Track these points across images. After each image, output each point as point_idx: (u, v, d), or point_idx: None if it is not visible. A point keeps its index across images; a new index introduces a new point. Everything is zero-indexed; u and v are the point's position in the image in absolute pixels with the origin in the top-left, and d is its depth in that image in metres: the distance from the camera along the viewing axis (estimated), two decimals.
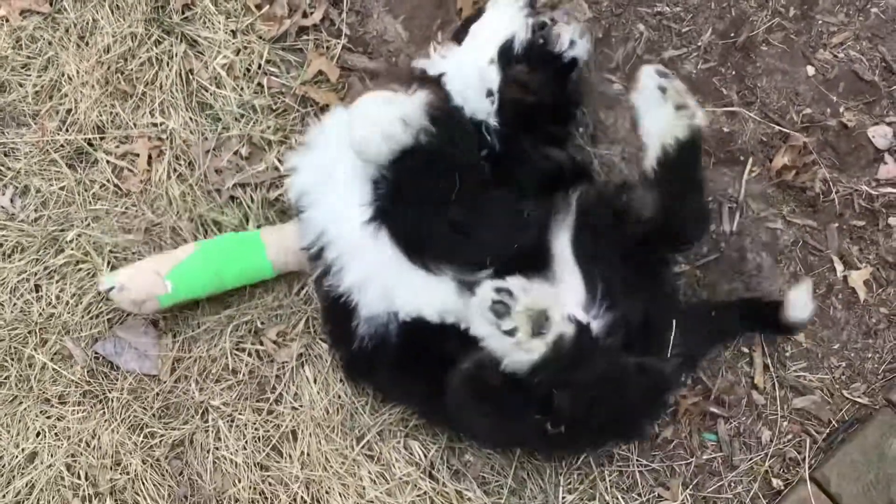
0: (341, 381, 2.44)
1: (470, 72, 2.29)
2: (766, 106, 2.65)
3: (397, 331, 2.19)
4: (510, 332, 1.92)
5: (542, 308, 1.93)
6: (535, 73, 2.34)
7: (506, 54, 2.30)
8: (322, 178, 2.23)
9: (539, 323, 1.93)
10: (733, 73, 2.67)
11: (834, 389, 2.50)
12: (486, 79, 2.28)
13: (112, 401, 2.38)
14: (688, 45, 2.68)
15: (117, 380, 2.40)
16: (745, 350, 2.53)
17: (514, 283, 1.95)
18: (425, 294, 2.17)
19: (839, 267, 2.55)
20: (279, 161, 2.52)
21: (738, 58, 2.67)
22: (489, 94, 2.28)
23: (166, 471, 2.34)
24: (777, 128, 2.63)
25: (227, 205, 2.52)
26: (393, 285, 2.18)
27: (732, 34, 2.69)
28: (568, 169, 2.37)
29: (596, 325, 2.12)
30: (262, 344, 2.45)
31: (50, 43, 2.58)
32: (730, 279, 2.55)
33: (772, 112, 2.64)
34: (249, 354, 2.44)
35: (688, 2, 2.70)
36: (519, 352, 1.94)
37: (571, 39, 2.37)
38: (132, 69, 2.57)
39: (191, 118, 2.57)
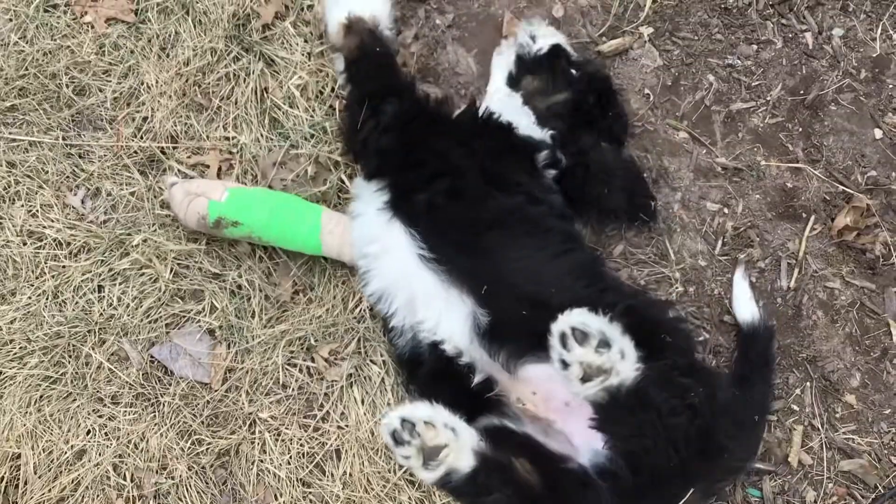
0: (388, 404, 2.45)
1: (504, 104, 2.47)
2: (832, 165, 2.65)
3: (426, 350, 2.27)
4: (405, 457, 2.01)
5: (437, 445, 1.99)
6: (539, 76, 2.52)
7: (511, 78, 2.55)
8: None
9: (430, 457, 2.00)
10: (800, 129, 2.68)
11: (882, 454, 2.48)
12: (515, 105, 2.49)
13: (163, 405, 2.40)
14: (756, 99, 2.70)
15: (170, 385, 2.42)
16: (795, 408, 2.51)
17: (420, 414, 2.02)
18: (445, 318, 2.22)
19: None
20: (342, 182, 2.55)
21: (806, 115, 2.68)
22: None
23: (210, 479, 2.36)
24: (841, 187, 2.63)
25: None
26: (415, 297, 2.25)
27: (802, 91, 2.70)
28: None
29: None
30: (313, 361, 2.47)
31: (132, 52, 2.65)
32: (784, 335, 2.54)
33: (836, 171, 2.64)
34: (300, 370, 2.47)
35: (759, 56, 2.72)
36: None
37: (532, 34, 2.56)
38: (209, 83, 2.63)
39: (262, 134, 2.61)
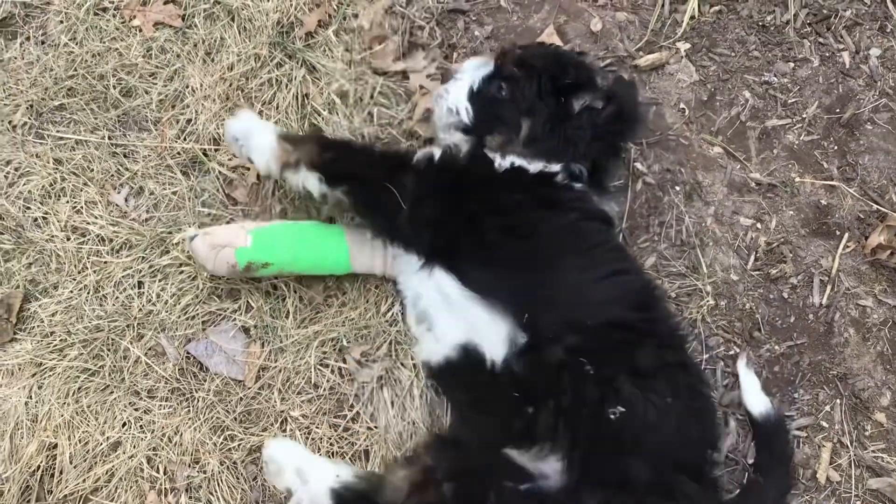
0: (418, 408, 2.48)
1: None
2: (866, 184, 2.66)
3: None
4: None
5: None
6: (492, 131, 2.43)
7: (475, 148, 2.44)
8: None
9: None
10: (835, 147, 2.69)
11: None
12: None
13: (198, 400, 2.45)
14: (792, 116, 2.71)
15: (205, 381, 2.47)
16: (825, 424, 2.50)
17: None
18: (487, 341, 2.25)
19: None
20: None
21: (842, 133, 2.69)
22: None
23: (241, 474, 2.40)
24: (875, 206, 2.63)
25: None
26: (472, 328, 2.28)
27: (838, 110, 2.71)
28: None
29: None
30: (345, 362, 2.51)
31: (178, 55, 2.72)
32: (815, 351, 2.54)
33: (871, 190, 2.65)
34: (332, 371, 2.50)
35: (796, 74, 2.74)
36: None
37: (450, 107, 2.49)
38: (252, 88, 2.69)
39: None
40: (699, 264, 2.62)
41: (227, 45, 2.73)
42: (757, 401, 2.43)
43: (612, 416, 2.05)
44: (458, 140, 2.49)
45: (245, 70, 2.70)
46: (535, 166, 2.36)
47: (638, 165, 2.69)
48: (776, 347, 2.56)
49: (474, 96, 2.46)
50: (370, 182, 2.33)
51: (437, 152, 2.41)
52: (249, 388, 2.47)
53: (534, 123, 2.37)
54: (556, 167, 2.35)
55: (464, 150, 2.44)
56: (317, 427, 2.45)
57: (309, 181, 2.35)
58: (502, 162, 2.38)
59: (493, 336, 2.21)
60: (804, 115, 2.72)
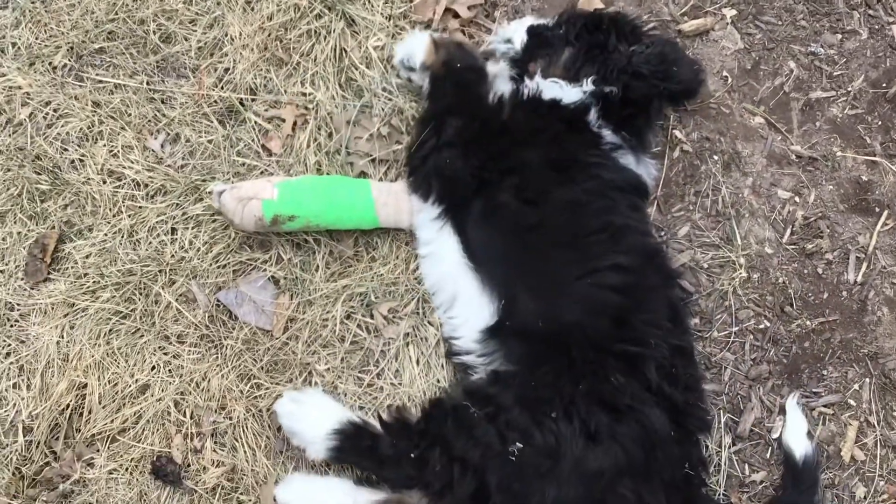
0: (443, 366, 2.49)
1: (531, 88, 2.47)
2: None
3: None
4: None
5: None
6: (538, 57, 2.53)
7: (517, 76, 2.57)
8: None
9: None
10: (880, 123, 2.63)
11: None
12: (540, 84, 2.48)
13: (226, 348, 2.47)
14: (837, 89, 2.66)
15: (234, 329, 2.49)
16: (852, 403, 2.48)
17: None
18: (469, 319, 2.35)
19: None
20: None
21: (887, 109, 2.64)
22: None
23: (266, 422, 2.42)
24: None
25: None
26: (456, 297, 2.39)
27: (884, 84, 2.65)
28: None
29: None
30: (372, 317, 2.52)
31: (218, 3, 2.71)
32: (846, 329, 2.51)
33: None
34: (359, 326, 2.51)
35: (843, 46, 2.68)
36: None
37: (504, 39, 2.62)
38: (291, 39, 2.68)
39: (338, 92, 2.65)
40: (734, 236, 2.59)
41: None
42: (800, 443, 2.38)
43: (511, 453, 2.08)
44: (501, 72, 2.55)
45: (284, 20, 2.69)
46: (568, 94, 2.39)
47: (676, 133, 2.65)
48: (807, 323, 2.53)
49: (531, 29, 2.55)
50: (432, 108, 2.49)
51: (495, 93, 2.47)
52: (277, 339, 2.49)
53: (576, 50, 2.44)
54: (588, 86, 2.39)
55: (504, 90, 2.47)
56: (342, 382, 2.47)
57: (424, 83, 2.58)
58: (540, 85, 2.44)
59: (473, 313, 2.31)
60: (849, 89, 2.66)
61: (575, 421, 2.06)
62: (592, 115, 2.38)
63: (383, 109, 2.66)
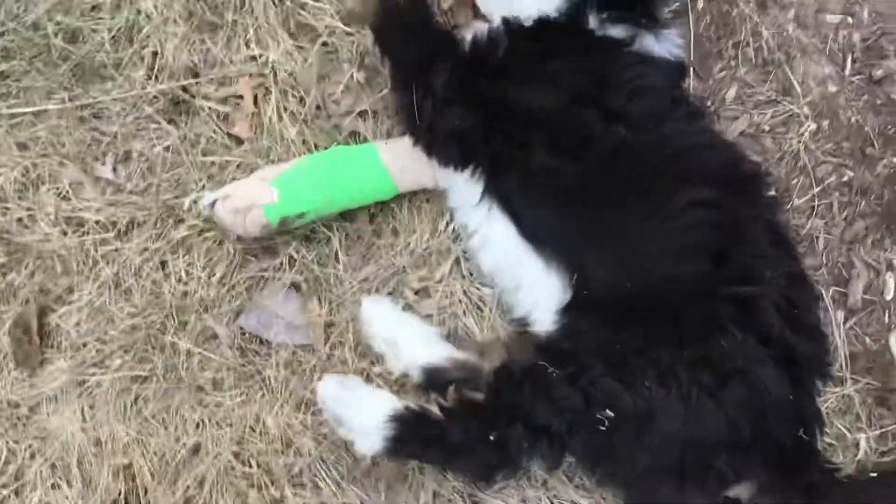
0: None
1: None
2: None
3: None
4: None
5: None
6: None
7: None
8: None
9: None
10: None
11: None
12: None
13: (269, 379, 2.17)
14: None
15: (270, 356, 2.18)
16: None
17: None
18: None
19: None
20: None
21: None
22: None
23: (342, 448, 2.15)
24: None
25: (351, 141, 2.20)
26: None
27: None
28: None
29: None
30: (416, 294, 2.20)
31: None
32: None
33: None
34: (405, 309, 2.19)
35: None
36: None
37: None
38: None
39: (293, 45, 2.21)
40: (790, 84, 2.23)
41: None
42: None
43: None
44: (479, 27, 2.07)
45: None
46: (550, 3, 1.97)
47: None
48: (894, 160, 2.22)
49: None
50: (401, 68, 2.05)
51: (470, 36, 2.00)
52: (320, 352, 2.18)
53: None
54: None
55: (497, 23, 2.02)
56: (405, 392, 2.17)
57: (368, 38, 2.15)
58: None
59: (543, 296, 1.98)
60: None
61: (672, 387, 1.78)
62: (590, 18, 1.96)
63: (350, 51, 2.22)
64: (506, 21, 1.98)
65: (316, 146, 2.20)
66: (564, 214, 1.95)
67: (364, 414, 1.97)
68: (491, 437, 1.88)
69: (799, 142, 2.22)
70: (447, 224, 2.22)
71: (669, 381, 1.79)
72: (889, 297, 2.19)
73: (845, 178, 2.22)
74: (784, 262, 1.90)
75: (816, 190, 2.22)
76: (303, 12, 2.22)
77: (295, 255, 2.19)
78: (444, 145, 2.01)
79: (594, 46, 1.96)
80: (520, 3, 1.97)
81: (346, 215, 2.20)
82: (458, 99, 1.96)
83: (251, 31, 2.22)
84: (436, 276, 2.20)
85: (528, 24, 1.96)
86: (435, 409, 1.96)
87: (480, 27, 2.06)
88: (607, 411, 1.80)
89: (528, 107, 1.95)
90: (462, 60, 1.99)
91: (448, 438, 1.92)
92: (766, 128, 2.23)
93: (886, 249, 2.20)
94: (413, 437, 1.94)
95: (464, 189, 2.07)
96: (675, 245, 1.87)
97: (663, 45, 2.03)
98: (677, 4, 2.19)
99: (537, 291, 2.02)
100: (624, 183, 1.92)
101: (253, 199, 2.04)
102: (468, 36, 2.03)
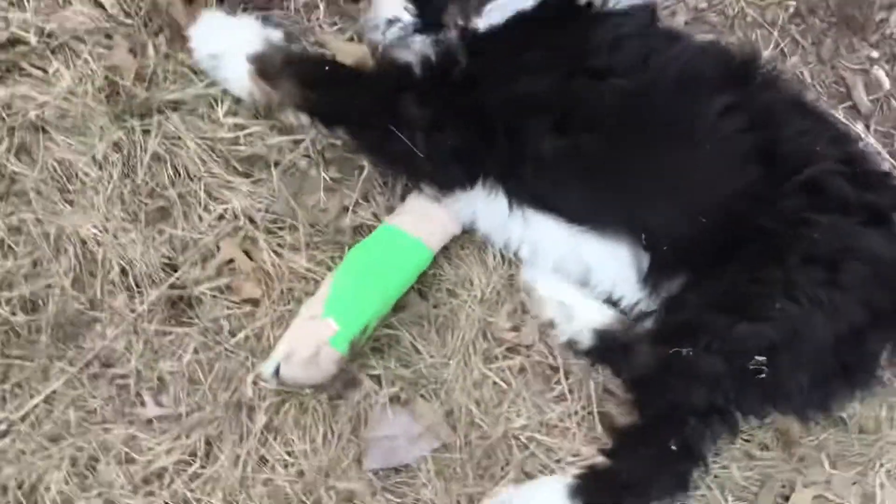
0: None
1: None
2: None
3: None
4: None
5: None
6: None
7: None
8: None
9: None
10: None
11: None
12: None
13: (428, 499, 2.02)
14: None
15: (416, 477, 2.02)
16: None
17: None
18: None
19: None
20: None
21: None
22: None
23: None
24: None
25: (359, 236, 2.07)
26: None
27: None
28: None
29: None
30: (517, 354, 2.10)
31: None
32: None
33: None
34: (501, 356, 2.10)
35: None
36: None
37: None
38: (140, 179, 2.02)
39: (250, 183, 2.09)
40: None
41: None
42: None
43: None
44: (420, 49, 1.97)
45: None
46: None
47: None
48: None
49: None
50: (368, 124, 1.94)
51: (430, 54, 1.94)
52: (457, 444, 2.05)
53: None
54: None
55: (435, 52, 1.94)
56: (546, 417, 2.07)
57: (305, 121, 1.99)
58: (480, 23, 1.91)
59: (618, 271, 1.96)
60: None
61: (800, 297, 1.76)
62: None
63: (307, 156, 2.09)
64: (461, 29, 1.90)
65: (332, 260, 2.05)
66: (600, 183, 1.91)
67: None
68: (673, 448, 1.83)
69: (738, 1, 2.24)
70: (494, 256, 2.12)
71: (795, 292, 1.76)
72: (888, 87, 2.25)
73: (791, 10, 2.26)
74: (821, 126, 1.91)
75: (776, 33, 2.24)
76: (239, 147, 2.06)
77: (377, 373, 2.04)
78: (447, 171, 1.94)
79: (561, 22, 1.90)
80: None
81: (398, 306, 2.06)
82: (441, 119, 1.88)
83: (202, 194, 2.04)
84: (521, 306, 2.11)
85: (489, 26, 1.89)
86: (601, 459, 1.92)
87: (418, 47, 1.97)
88: (757, 358, 1.76)
89: (518, 99, 1.88)
90: (424, 82, 1.91)
91: (630, 479, 1.87)
92: (704, 5, 2.23)
93: (859, 49, 2.26)
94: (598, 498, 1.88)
95: (487, 209, 2.00)
96: (720, 162, 1.85)
97: None
98: None
99: (609, 266, 1.97)
100: (643, 127, 1.88)
101: (315, 340, 1.90)
102: (409, 58, 1.95)
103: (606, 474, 1.89)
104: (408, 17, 1.96)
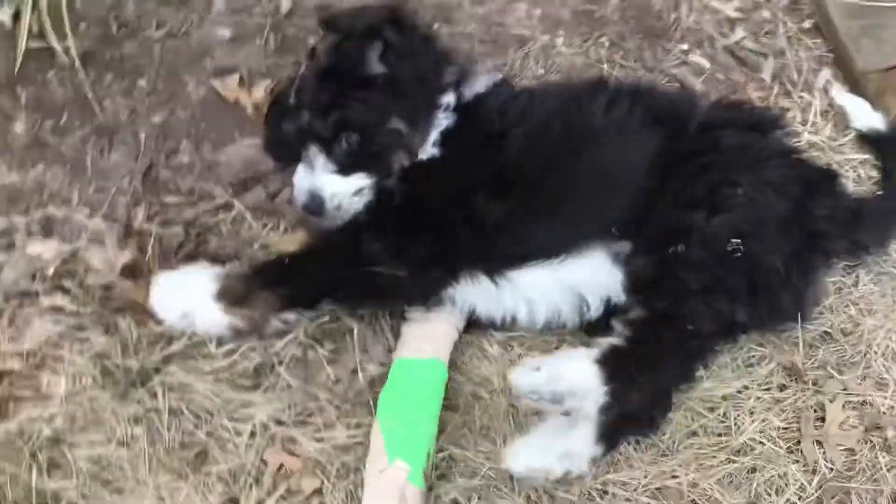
0: None
1: None
2: None
3: None
4: None
5: None
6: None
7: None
8: None
9: None
10: None
11: None
12: None
13: None
14: None
15: None
16: None
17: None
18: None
19: None
20: None
21: None
22: None
23: None
24: None
25: (375, 390, 2.22)
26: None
27: None
28: None
29: None
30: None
31: None
32: None
33: None
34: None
35: None
36: None
37: None
38: None
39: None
40: None
41: None
42: (868, 118, 2.55)
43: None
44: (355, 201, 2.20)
45: None
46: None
47: None
48: None
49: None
50: (346, 278, 2.13)
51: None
52: None
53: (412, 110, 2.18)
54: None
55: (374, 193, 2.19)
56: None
57: (291, 317, 2.13)
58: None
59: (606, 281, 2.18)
60: None
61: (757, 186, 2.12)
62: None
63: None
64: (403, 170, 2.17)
65: (365, 418, 2.18)
66: (553, 210, 2.17)
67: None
68: (689, 327, 2.08)
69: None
70: (492, 345, 2.31)
71: (756, 186, 2.11)
72: (708, 65, 2.66)
73: (607, 44, 2.67)
74: (683, 94, 2.48)
75: (606, 66, 2.62)
76: (239, 368, 2.19)
77: (453, 496, 2.13)
78: (431, 276, 2.15)
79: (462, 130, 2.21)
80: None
81: (442, 422, 2.18)
82: (402, 238, 2.10)
83: (227, 423, 2.15)
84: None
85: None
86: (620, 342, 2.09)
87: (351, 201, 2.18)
88: (732, 241, 2.06)
89: (454, 193, 2.14)
90: (372, 220, 2.15)
91: (644, 359, 2.07)
92: (541, 71, 2.58)
93: (671, 49, 2.66)
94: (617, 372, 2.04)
95: (474, 293, 2.20)
96: (630, 136, 2.20)
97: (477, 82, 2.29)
98: None
99: (596, 278, 2.19)
100: (557, 150, 2.18)
101: (396, 487, 2.00)
102: (345, 216, 2.18)
103: (624, 353, 2.07)
104: (334, 187, 2.16)
